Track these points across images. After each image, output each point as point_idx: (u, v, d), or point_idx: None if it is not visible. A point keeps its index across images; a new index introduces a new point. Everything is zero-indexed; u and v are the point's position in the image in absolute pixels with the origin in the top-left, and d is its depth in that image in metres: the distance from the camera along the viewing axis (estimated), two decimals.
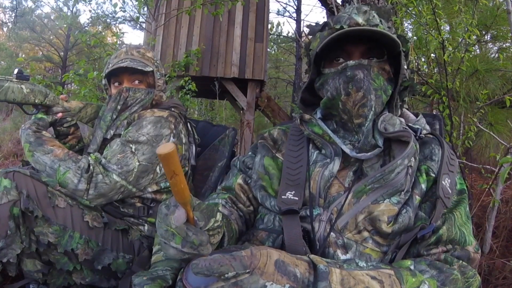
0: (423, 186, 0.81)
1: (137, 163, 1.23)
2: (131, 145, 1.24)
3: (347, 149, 0.83)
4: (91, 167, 1.18)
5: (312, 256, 0.64)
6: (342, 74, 0.84)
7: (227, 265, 0.55)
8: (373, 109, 0.82)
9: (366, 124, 0.83)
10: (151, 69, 1.38)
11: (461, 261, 0.75)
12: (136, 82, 1.39)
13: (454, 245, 0.77)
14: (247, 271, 0.55)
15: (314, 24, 0.95)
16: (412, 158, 0.80)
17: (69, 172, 1.16)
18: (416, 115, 0.93)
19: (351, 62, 0.84)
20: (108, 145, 1.31)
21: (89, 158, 1.22)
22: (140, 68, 1.34)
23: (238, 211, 0.93)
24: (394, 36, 0.82)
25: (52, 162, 1.18)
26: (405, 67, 0.86)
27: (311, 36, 0.93)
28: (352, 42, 0.85)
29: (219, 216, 0.67)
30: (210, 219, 0.64)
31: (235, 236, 0.86)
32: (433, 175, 0.82)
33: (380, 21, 0.87)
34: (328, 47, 0.86)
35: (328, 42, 0.83)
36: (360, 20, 0.84)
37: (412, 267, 0.71)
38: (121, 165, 1.21)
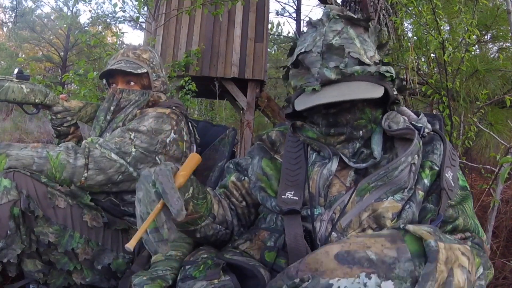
0: (426, 181, 0.81)
1: (134, 149, 1.23)
2: (130, 133, 1.25)
3: (344, 157, 0.84)
4: (86, 144, 1.19)
5: (412, 228, 0.55)
6: (324, 117, 0.85)
7: (278, 282, 0.56)
8: (357, 147, 0.84)
9: (347, 159, 0.84)
10: (144, 70, 1.37)
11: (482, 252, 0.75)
12: (131, 83, 1.39)
13: (471, 233, 0.78)
14: (296, 280, 0.53)
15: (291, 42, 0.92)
16: (416, 155, 0.81)
17: (61, 154, 1.15)
18: (417, 114, 0.94)
19: (332, 110, 0.83)
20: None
21: (86, 140, 1.23)
22: (129, 70, 1.34)
23: (230, 204, 0.94)
24: (370, 95, 0.77)
25: (37, 152, 1.14)
26: (395, 92, 0.84)
27: (285, 69, 0.92)
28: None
29: (191, 190, 0.77)
30: (184, 194, 0.74)
31: (210, 205, 0.85)
32: (437, 168, 0.82)
33: (357, 56, 0.80)
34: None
35: (303, 108, 0.80)
36: (332, 76, 0.79)
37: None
38: (119, 146, 1.22)
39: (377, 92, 0.78)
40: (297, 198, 0.82)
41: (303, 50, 0.84)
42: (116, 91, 1.36)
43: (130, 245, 0.63)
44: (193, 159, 0.79)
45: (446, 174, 0.80)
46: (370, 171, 0.83)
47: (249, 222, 0.97)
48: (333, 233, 0.78)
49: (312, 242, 0.79)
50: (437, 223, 0.77)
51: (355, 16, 0.86)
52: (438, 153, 0.84)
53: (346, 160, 0.84)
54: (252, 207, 0.96)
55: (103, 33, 11.01)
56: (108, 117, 1.36)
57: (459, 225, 0.78)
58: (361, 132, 0.84)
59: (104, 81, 1.47)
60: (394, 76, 0.82)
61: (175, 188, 0.67)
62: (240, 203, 0.95)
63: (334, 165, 0.85)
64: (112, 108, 1.36)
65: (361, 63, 0.81)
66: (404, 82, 0.90)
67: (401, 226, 0.57)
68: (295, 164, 0.89)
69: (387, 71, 0.81)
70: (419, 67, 2.64)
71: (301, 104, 0.81)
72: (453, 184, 0.81)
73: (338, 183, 0.84)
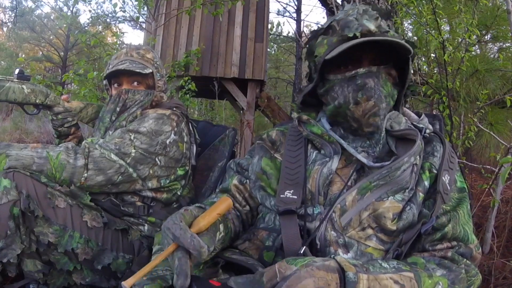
0: (426, 183, 0.81)
1: (134, 150, 1.23)
2: (130, 134, 1.25)
3: (363, 159, 0.81)
4: (86, 145, 1.20)
5: (340, 259, 0.63)
6: (351, 82, 0.81)
7: None
8: (384, 117, 0.82)
9: (382, 135, 0.82)
10: (150, 70, 1.37)
11: (465, 260, 0.76)
12: (135, 83, 1.39)
13: (458, 243, 0.78)
14: None
15: (316, 28, 0.91)
16: (418, 156, 0.81)
17: (61, 154, 1.15)
18: (418, 114, 0.94)
19: (361, 70, 0.81)
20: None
21: (86, 140, 1.24)
22: (138, 71, 1.34)
23: (235, 211, 0.94)
24: (408, 45, 0.79)
25: (37, 152, 1.14)
26: (411, 71, 0.85)
27: (312, 40, 0.90)
28: (362, 48, 0.82)
29: (222, 227, 0.75)
30: (216, 233, 0.72)
31: (230, 234, 0.86)
32: (435, 171, 0.82)
33: (388, 25, 0.85)
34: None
35: (340, 50, 0.79)
36: (372, 27, 0.80)
37: (426, 266, 0.72)
38: (119, 147, 1.22)
39: (412, 50, 0.79)
40: (295, 197, 0.82)
41: (337, 18, 0.85)
42: (121, 92, 1.36)
43: (127, 283, 0.60)
44: (222, 203, 0.73)
45: (443, 178, 0.81)
46: (372, 170, 0.83)
47: (251, 225, 0.97)
48: (332, 232, 0.78)
49: (311, 241, 0.79)
50: (429, 226, 0.77)
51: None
52: (438, 155, 0.84)
53: (365, 161, 0.80)
54: (255, 211, 0.96)
55: (103, 33, 11.02)
56: (113, 118, 1.37)
57: (448, 233, 0.78)
58: (384, 103, 0.81)
59: (105, 81, 1.47)
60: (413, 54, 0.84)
61: (184, 228, 0.63)
62: (244, 207, 0.95)
63: (334, 163, 0.84)
64: (118, 109, 1.36)
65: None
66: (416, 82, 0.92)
67: (332, 257, 0.64)
68: (295, 162, 0.88)
69: (413, 44, 0.83)
70: (419, 67, 2.63)
71: (337, 50, 0.79)
72: (449, 188, 0.81)
73: (340, 182, 0.83)
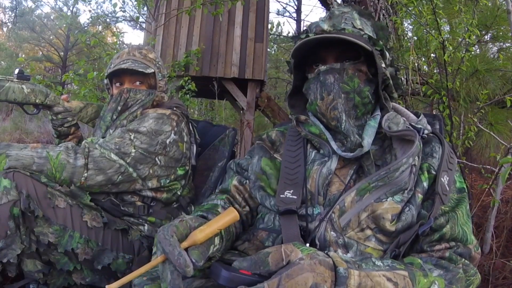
0: (425, 184, 0.81)
1: (134, 150, 1.23)
2: (130, 134, 1.25)
3: (335, 145, 0.85)
4: (86, 144, 1.20)
5: (333, 255, 0.63)
6: (317, 79, 0.88)
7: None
8: (344, 111, 0.84)
9: (343, 126, 0.84)
10: (152, 70, 1.38)
11: (463, 259, 0.76)
12: (137, 83, 1.39)
13: (456, 243, 0.78)
14: None
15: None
16: (416, 157, 0.81)
17: (61, 154, 1.15)
18: (416, 114, 0.93)
19: (322, 68, 0.87)
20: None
21: (86, 140, 1.24)
22: (140, 70, 1.34)
23: None
24: (355, 39, 0.81)
25: (37, 152, 1.14)
26: (383, 65, 0.86)
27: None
28: (325, 47, 0.88)
29: (217, 241, 0.73)
30: (209, 247, 0.70)
31: (232, 238, 0.87)
32: (434, 172, 0.82)
33: (352, 23, 0.87)
34: (305, 54, 0.90)
35: (296, 51, 0.87)
36: (325, 27, 0.87)
37: (423, 266, 0.72)
38: (119, 146, 1.22)
39: (362, 44, 0.82)
40: (295, 197, 0.82)
41: (312, 22, 0.91)
42: (123, 91, 1.36)
43: (110, 287, 0.61)
44: (226, 216, 0.70)
45: (442, 179, 0.80)
46: (368, 171, 0.83)
47: (251, 225, 0.97)
48: (332, 232, 0.78)
49: (311, 242, 0.79)
50: (426, 227, 0.77)
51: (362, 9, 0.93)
52: (437, 156, 0.83)
53: (335, 148, 0.84)
54: (255, 211, 0.96)
55: (103, 33, 11.01)
56: (114, 117, 1.37)
57: (446, 234, 0.78)
58: (343, 98, 0.84)
59: (106, 80, 1.47)
60: (383, 47, 0.86)
61: (174, 244, 0.63)
62: (243, 208, 0.95)
63: (333, 163, 0.84)
64: (119, 108, 1.36)
65: (354, 27, 0.87)
66: (403, 80, 0.92)
67: (326, 253, 0.64)
68: (294, 162, 0.89)
69: (378, 39, 0.87)
70: (419, 67, 2.63)
71: (291, 50, 0.88)
72: (448, 189, 0.81)
73: (338, 182, 0.83)
